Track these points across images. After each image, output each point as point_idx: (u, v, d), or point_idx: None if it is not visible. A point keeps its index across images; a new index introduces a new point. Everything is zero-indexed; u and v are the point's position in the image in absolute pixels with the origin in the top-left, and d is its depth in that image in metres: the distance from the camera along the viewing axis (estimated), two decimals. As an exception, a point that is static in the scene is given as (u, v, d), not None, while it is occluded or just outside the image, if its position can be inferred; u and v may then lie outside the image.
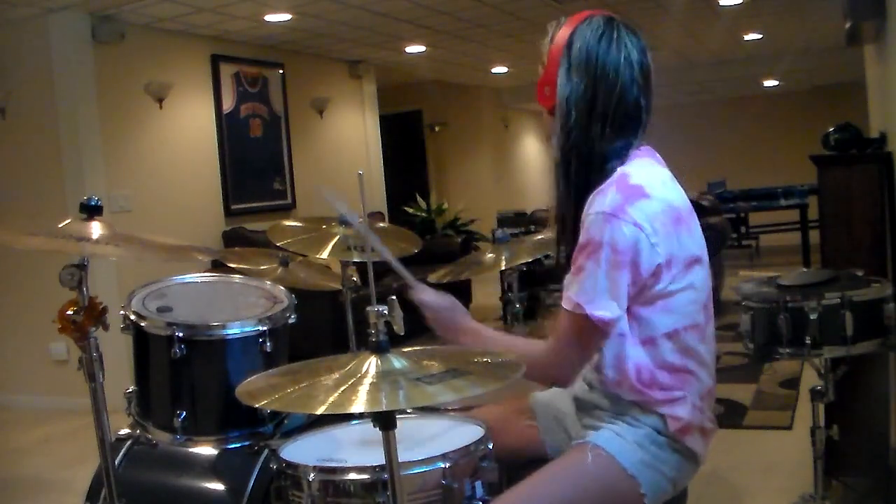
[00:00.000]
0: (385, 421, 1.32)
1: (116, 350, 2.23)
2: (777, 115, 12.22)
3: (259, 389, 1.44)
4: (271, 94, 6.99)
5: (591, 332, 1.61)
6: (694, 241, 1.67)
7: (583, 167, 1.67)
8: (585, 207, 1.63)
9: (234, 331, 2.03)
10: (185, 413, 1.99)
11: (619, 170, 1.64)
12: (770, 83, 11.93)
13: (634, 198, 1.60)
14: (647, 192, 1.61)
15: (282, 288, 2.27)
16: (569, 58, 1.66)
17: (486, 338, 1.80)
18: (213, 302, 2.23)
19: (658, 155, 1.74)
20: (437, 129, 10.72)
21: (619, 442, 1.68)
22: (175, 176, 6.03)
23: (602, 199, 1.60)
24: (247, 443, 2.03)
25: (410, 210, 9.12)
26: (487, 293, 7.71)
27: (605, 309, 1.58)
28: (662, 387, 1.67)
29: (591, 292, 1.58)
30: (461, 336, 1.80)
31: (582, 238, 1.61)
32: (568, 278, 1.65)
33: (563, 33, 1.68)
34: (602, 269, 1.57)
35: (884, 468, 3.04)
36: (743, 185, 10.31)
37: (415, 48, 7.81)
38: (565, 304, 1.62)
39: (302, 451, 1.71)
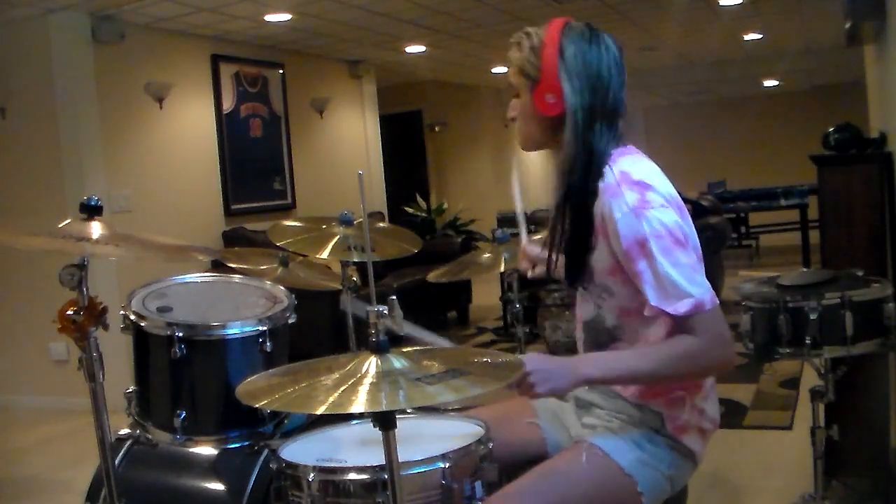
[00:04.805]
0: (385, 421, 1.32)
1: (116, 350, 2.23)
2: (777, 115, 12.23)
3: (259, 389, 1.44)
4: (271, 94, 6.99)
5: (696, 319, 1.54)
6: (694, 233, 1.67)
7: (584, 169, 1.67)
8: (601, 215, 1.62)
9: (234, 331, 2.04)
10: (185, 413, 1.99)
11: (615, 170, 1.64)
12: (770, 83, 11.94)
13: (647, 189, 1.60)
14: (652, 185, 1.62)
15: (282, 288, 2.27)
16: (566, 65, 1.66)
17: (611, 357, 1.68)
18: (213, 302, 2.22)
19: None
20: (437, 129, 10.71)
21: (615, 441, 1.68)
22: (175, 176, 6.03)
23: (620, 201, 1.59)
24: (247, 443, 2.03)
25: (410, 210, 9.10)
26: (487, 293, 7.71)
27: (686, 297, 1.53)
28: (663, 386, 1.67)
29: (662, 290, 1.54)
30: (582, 368, 1.60)
31: (622, 244, 1.58)
32: (644, 286, 1.57)
33: (551, 42, 1.67)
34: (658, 261, 1.55)
35: (884, 468, 3.04)
36: (743, 185, 10.30)
37: (415, 48, 7.81)
38: (647, 313, 1.57)
39: (302, 451, 1.71)
